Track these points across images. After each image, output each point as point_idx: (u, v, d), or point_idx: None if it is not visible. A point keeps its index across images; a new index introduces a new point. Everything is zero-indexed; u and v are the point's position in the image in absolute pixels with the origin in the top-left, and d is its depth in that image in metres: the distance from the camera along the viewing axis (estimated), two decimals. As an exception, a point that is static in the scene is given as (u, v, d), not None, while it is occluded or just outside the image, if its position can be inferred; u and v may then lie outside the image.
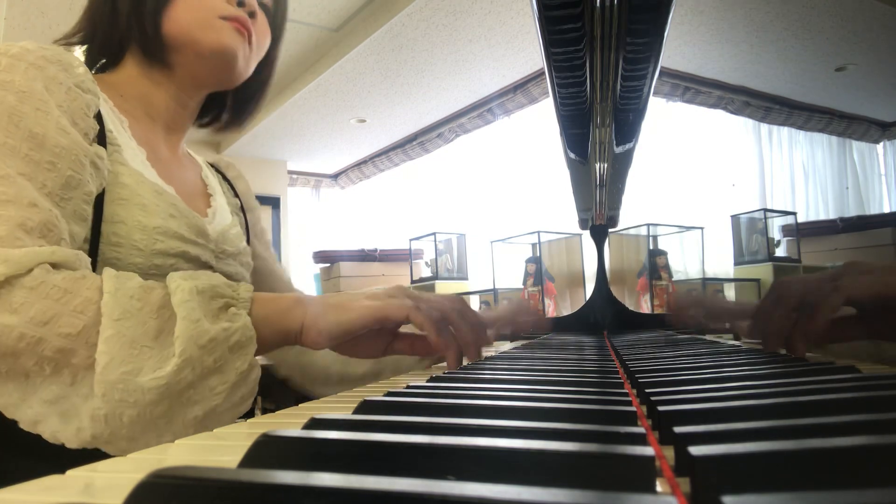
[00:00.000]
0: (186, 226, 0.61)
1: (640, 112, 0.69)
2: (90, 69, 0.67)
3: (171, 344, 0.43)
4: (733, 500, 0.12)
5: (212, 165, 0.84)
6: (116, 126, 0.62)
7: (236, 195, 0.82)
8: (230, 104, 0.81)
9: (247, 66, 0.70)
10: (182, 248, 0.60)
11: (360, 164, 5.18)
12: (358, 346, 0.58)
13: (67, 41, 0.69)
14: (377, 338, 0.58)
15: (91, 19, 0.69)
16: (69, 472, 0.21)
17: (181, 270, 0.59)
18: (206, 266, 0.65)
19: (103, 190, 0.56)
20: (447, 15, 2.89)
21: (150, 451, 0.25)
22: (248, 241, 0.79)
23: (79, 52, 0.70)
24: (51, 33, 2.77)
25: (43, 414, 0.43)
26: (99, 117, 0.58)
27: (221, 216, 0.73)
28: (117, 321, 0.42)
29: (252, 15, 0.68)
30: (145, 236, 0.57)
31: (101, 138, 0.58)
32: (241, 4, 0.67)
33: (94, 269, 0.54)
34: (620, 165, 0.86)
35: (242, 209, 0.82)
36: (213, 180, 0.79)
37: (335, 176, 5.53)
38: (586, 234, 1.16)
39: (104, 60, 0.70)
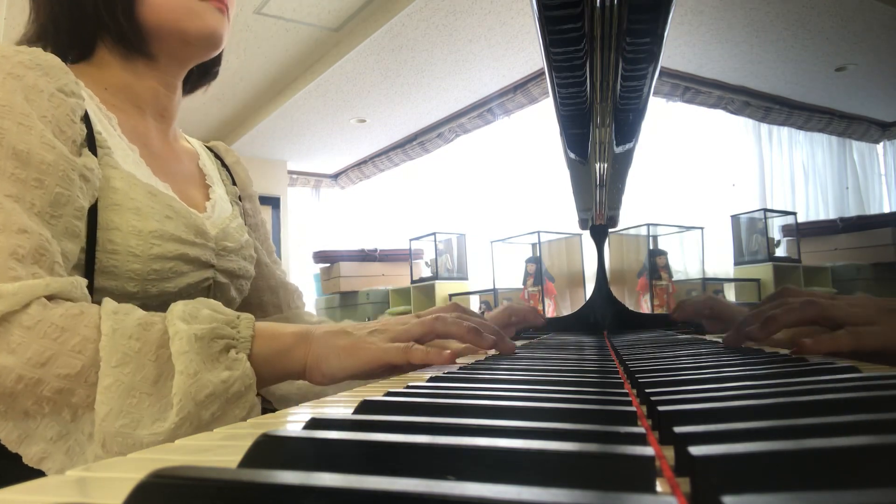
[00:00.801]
0: (184, 226, 0.60)
1: (640, 112, 0.69)
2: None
3: (170, 391, 0.43)
4: (733, 500, 0.12)
5: (209, 149, 0.82)
6: (105, 125, 0.60)
7: (235, 183, 0.81)
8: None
9: (226, 39, 0.68)
10: (181, 251, 0.59)
11: (360, 164, 5.18)
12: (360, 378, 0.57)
13: (30, 43, 0.65)
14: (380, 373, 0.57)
15: (50, 15, 0.65)
16: (69, 473, 0.21)
17: (186, 275, 0.58)
18: (208, 265, 0.63)
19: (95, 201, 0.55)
20: (447, 15, 2.89)
21: (151, 451, 0.25)
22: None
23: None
24: (51, 33, 2.77)
25: (48, 451, 0.43)
26: (86, 119, 0.57)
27: (221, 208, 0.71)
28: (115, 368, 0.42)
29: None
30: (141, 241, 0.56)
31: (91, 141, 0.56)
32: None
33: (91, 279, 0.54)
34: (620, 165, 0.86)
35: (241, 198, 0.80)
36: (210, 167, 0.77)
37: (335, 176, 5.53)
38: (586, 234, 1.16)
39: (75, 52, 0.66)
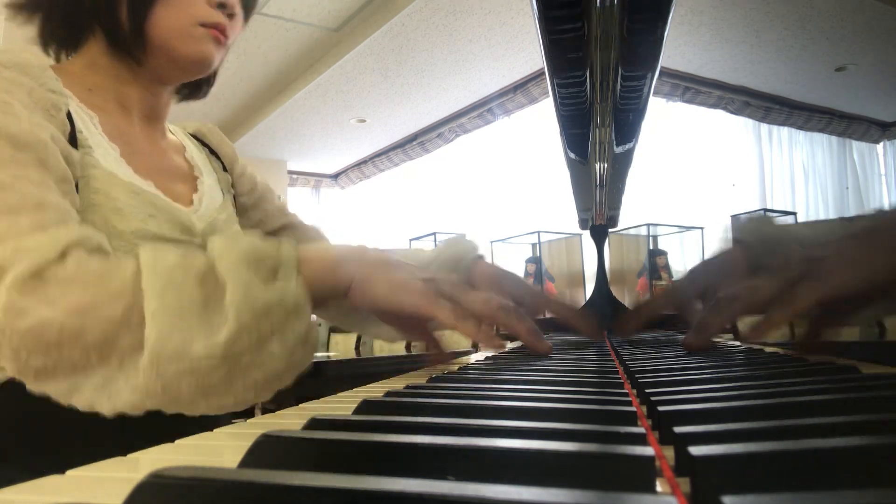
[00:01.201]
0: (168, 223, 0.59)
1: (640, 112, 0.69)
2: (48, 47, 0.65)
3: (221, 312, 0.41)
4: (733, 500, 0.12)
5: (195, 137, 0.80)
6: (86, 124, 0.59)
7: (225, 168, 0.78)
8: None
9: (216, 66, 0.68)
10: None
11: (360, 164, 5.18)
12: (393, 316, 0.54)
13: (16, 9, 0.64)
14: (416, 323, 0.54)
15: None
16: (69, 472, 0.21)
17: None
18: None
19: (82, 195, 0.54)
20: (447, 15, 2.90)
21: (150, 451, 0.25)
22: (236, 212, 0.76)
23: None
24: (51, 33, 2.77)
25: (95, 398, 0.42)
26: (69, 116, 0.56)
27: (210, 199, 0.70)
28: (160, 294, 0.40)
29: (232, 16, 0.65)
30: (122, 242, 0.54)
31: (73, 139, 0.55)
32: (221, 6, 0.64)
33: None
34: (620, 165, 0.86)
35: (233, 184, 0.78)
36: (199, 158, 0.75)
37: (335, 176, 5.53)
38: (586, 234, 1.16)
39: (62, 40, 0.65)
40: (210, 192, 0.71)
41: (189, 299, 0.41)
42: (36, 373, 0.41)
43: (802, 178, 4.55)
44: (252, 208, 0.80)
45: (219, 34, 0.64)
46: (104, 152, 0.58)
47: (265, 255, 0.45)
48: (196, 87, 0.77)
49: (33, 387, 0.42)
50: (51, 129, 0.51)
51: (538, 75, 3.57)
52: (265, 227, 0.80)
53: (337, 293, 0.49)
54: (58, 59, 0.66)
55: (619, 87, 0.62)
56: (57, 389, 0.42)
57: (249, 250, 0.44)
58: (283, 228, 0.82)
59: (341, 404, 0.37)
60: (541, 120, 3.76)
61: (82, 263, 0.42)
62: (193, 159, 0.74)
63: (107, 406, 0.42)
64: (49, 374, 0.42)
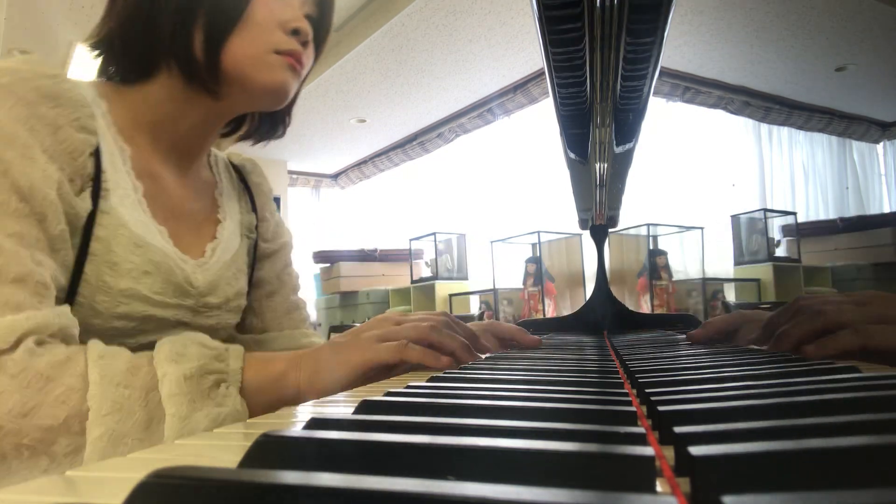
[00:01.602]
0: (162, 283, 0.58)
1: (640, 112, 0.69)
2: (111, 76, 0.62)
3: (162, 434, 0.43)
4: (733, 500, 0.12)
5: (235, 168, 0.78)
6: (114, 161, 0.57)
7: (253, 208, 0.76)
8: (258, 119, 0.76)
9: (292, 95, 0.66)
10: (148, 313, 0.57)
11: (360, 164, 5.18)
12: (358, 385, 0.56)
13: (95, 47, 0.62)
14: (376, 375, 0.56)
15: (121, 28, 0.61)
16: (69, 473, 0.21)
17: (150, 333, 0.57)
18: (178, 324, 0.61)
19: (87, 241, 0.54)
20: (447, 15, 2.90)
21: (150, 451, 0.25)
22: (253, 263, 0.75)
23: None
24: (51, 33, 2.77)
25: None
26: (96, 154, 0.55)
27: (223, 250, 0.68)
28: (106, 416, 0.41)
29: (305, 44, 0.64)
30: (108, 299, 0.54)
31: (96, 180, 0.55)
32: (296, 33, 0.62)
33: None
34: (620, 165, 0.86)
35: (257, 226, 0.76)
36: (228, 195, 0.73)
37: (335, 176, 5.53)
38: (586, 234, 1.16)
39: (133, 71, 0.63)
40: (227, 240, 0.69)
41: (132, 423, 0.42)
42: None
43: (802, 178, 4.55)
44: (266, 258, 0.78)
45: (294, 62, 0.62)
46: (123, 194, 0.57)
47: (209, 370, 0.46)
48: (272, 128, 0.76)
49: None
50: (61, 180, 0.50)
51: (538, 75, 3.57)
52: (264, 283, 0.78)
53: (281, 402, 0.50)
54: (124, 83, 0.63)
55: (619, 87, 0.62)
56: None
57: (193, 370, 0.45)
58: (274, 294, 0.79)
59: (341, 404, 0.37)
60: (541, 120, 3.76)
61: (33, 358, 0.42)
62: (221, 197, 0.73)
63: None
64: None
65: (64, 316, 0.47)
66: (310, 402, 0.38)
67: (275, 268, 0.79)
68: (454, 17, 2.92)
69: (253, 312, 0.77)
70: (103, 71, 0.63)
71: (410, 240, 4.09)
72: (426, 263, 4.04)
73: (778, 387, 0.30)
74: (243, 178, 0.79)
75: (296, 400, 0.50)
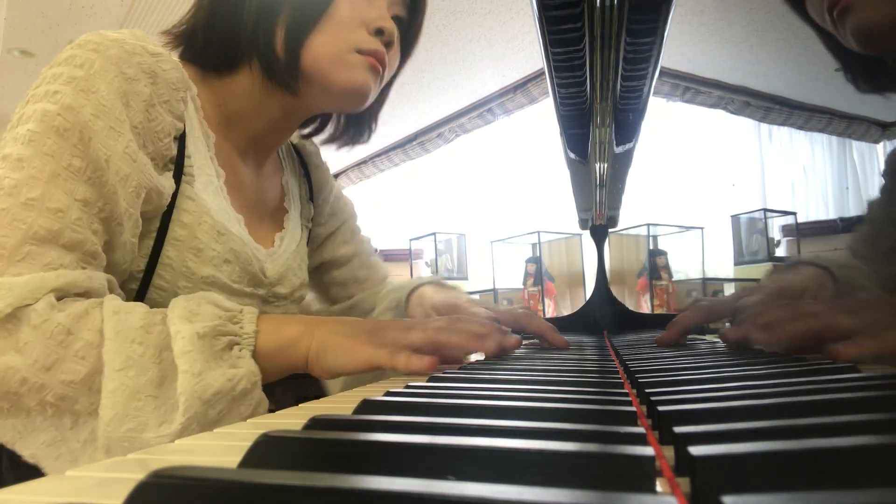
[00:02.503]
0: (240, 272, 0.59)
1: (640, 112, 0.69)
2: (192, 66, 0.62)
3: (173, 397, 0.42)
4: (733, 500, 0.12)
5: (295, 149, 0.79)
6: (198, 146, 0.58)
7: (311, 196, 0.77)
8: (343, 123, 0.77)
9: (372, 97, 0.65)
10: (227, 298, 0.57)
11: (360, 164, 5.18)
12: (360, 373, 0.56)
13: (177, 38, 0.62)
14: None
15: (206, 22, 0.61)
16: (69, 473, 0.21)
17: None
18: None
19: (166, 226, 0.54)
20: (447, 15, 2.90)
21: (150, 452, 0.25)
22: (308, 244, 0.76)
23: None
24: (51, 33, 2.77)
25: (39, 456, 0.43)
26: (182, 140, 0.55)
27: (290, 239, 0.69)
28: (119, 371, 0.42)
29: (389, 45, 0.63)
30: (191, 285, 0.55)
31: (178, 164, 0.55)
32: (379, 33, 0.61)
33: (143, 298, 0.54)
34: (620, 165, 0.86)
35: (314, 214, 0.78)
36: (293, 181, 0.74)
37: (335, 176, 5.53)
38: (586, 234, 1.16)
39: (216, 65, 0.63)
40: (293, 230, 0.71)
41: (146, 379, 0.42)
42: None
43: (802, 178, 4.55)
44: (327, 239, 0.82)
45: (376, 62, 0.61)
46: (207, 180, 0.58)
47: (222, 331, 0.46)
48: (357, 132, 0.77)
49: None
50: (142, 162, 0.51)
51: (538, 75, 3.57)
52: (337, 259, 0.83)
53: (292, 368, 0.51)
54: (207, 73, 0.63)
55: (619, 87, 0.62)
56: (3, 433, 0.43)
57: (207, 329, 0.45)
58: (352, 259, 0.84)
59: (341, 404, 0.37)
60: (541, 120, 3.76)
61: (53, 311, 0.43)
62: (288, 183, 0.74)
63: (53, 466, 0.43)
64: (2, 415, 0.43)
65: (96, 280, 0.47)
66: (310, 403, 0.38)
67: (339, 243, 0.83)
68: (454, 17, 2.91)
69: (336, 284, 0.83)
70: (187, 59, 0.63)
71: (410, 240, 4.09)
72: (426, 263, 4.04)
73: (778, 387, 0.30)
74: (303, 162, 0.79)
75: (303, 369, 0.51)
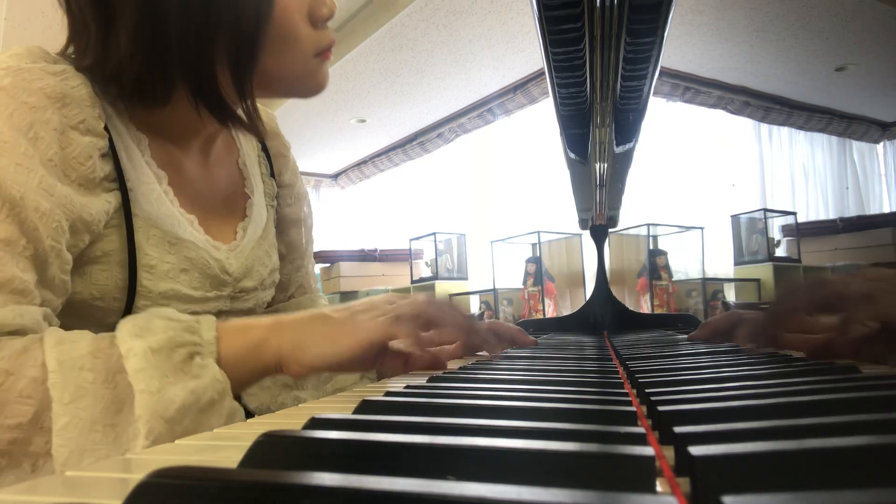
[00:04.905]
0: (199, 278, 0.56)
1: (640, 112, 0.69)
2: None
3: (133, 422, 0.39)
4: (733, 500, 0.12)
5: None
6: (131, 154, 0.54)
7: (272, 172, 0.72)
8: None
9: None
10: (190, 309, 0.55)
11: (360, 164, 5.18)
12: (344, 369, 0.51)
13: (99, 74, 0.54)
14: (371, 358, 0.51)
15: (132, 64, 0.51)
16: (68, 473, 0.21)
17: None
18: (220, 314, 0.59)
19: (130, 246, 0.52)
20: (447, 15, 2.89)
21: (151, 452, 0.25)
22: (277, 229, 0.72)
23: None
24: (50, 33, 2.77)
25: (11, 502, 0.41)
26: (112, 152, 0.52)
27: (254, 227, 0.65)
28: (69, 404, 0.38)
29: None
30: (148, 303, 0.53)
31: (119, 178, 0.52)
32: (325, 21, 0.57)
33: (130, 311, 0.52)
34: (620, 165, 0.86)
35: (277, 197, 0.73)
36: (251, 160, 0.69)
37: (335, 176, 5.53)
38: (586, 234, 1.16)
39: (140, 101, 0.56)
40: (257, 214, 0.67)
41: (101, 407, 0.38)
42: None
43: (802, 178, 4.55)
44: (292, 225, 0.75)
45: (330, 52, 0.59)
46: (147, 189, 0.55)
47: (179, 342, 0.42)
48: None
49: None
50: (60, 194, 0.47)
51: (538, 75, 3.57)
52: (292, 256, 0.75)
53: (264, 371, 0.46)
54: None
55: (619, 87, 0.62)
56: None
57: (161, 342, 0.41)
58: (301, 268, 0.78)
59: (341, 404, 0.37)
60: (541, 120, 3.76)
61: None
62: (246, 164, 0.68)
63: None
64: None
65: (27, 316, 0.44)
66: (310, 403, 0.38)
67: (300, 239, 0.76)
68: (454, 17, 2.91)
69: (279, 286, 0.74)
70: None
71: (410, 240, 4.09)
72: (426, 263, 4.04)
73: (778, 387, 0.30)
74: (261, 141, 0.73)
75: (278, 369, 0.46)
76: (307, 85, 0.58)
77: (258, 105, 0.71)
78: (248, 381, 0.46)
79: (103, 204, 0.51)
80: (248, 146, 0.70)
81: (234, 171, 0.67)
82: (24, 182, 0.45)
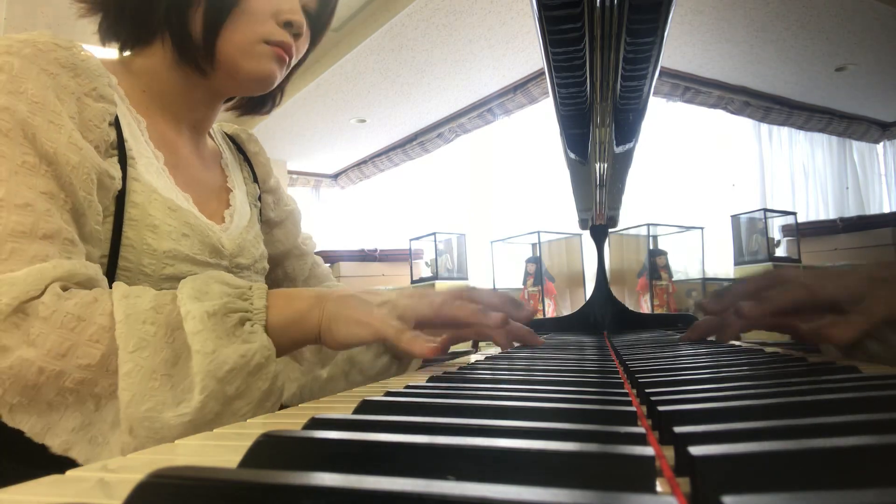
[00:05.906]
0: (200, 244, 0.60)
1: (640, 112, 0.69)
2: (109, 41, 0.64)
3: (189, 376, 0.43)
4: (733, 500, 0.12)
5: (230, 138, 0.80)
6: (133, 130, 0.59)
7: (255, 178, 0.79)
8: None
9: (277, 82, 0.67)
10: (193, 271, 0.58)
11: (360, 164, 5.18)
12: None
13: (91, 6, 0.63)
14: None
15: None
16: (69, 473, 0.21)
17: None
18: None
19: (122, 208, 0.55)
20: (447, 15, 2.89)
21: (151, 452, 0.25)
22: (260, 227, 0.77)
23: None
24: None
25: (72, 442, 0.43)
26: (116, 124, 0.56)
27: (239, 216, 0.70)
28: (133, 353, 0.42)
29: (298, 36, 0.65)
30: (154, 261, 0.55)
31: (120, 148, 0.56)
32: (288, 25, 0.63)
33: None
34: (620, 165, 0.86)
35: (260, 197, 0.78)
36: (232, 165, 0.76)
37: (335, 176, 5.53)
38: (586, 234, 1.16)
39: (129, 38, 0.64)
40: (240, 207, 0.72)
41: (160, 359, 0.43)
42: (11, 408, 0.42)
43: (802, 178, 4.55)
44: (276, 226, 0.81)
45: (283, 53, 0.64)
46: (147, 162, 0.59)
47: (232, 308, 0.46)
48: (260, 103, 0.78)
49: (7, 421, 0.43)
50: (88, 150, 0.51)
51: (538, 75, 3.57)
52: (280, 247, 0.81)
53: (305, 341, 0.51)
54: (119, 53, 0.65)
55: (619, 87, 0.62)
56: (31, 427, 0.43)
57: (217, 307, 0.45)
58: (291, 256, 0.83)
59: (341, 404, 0.37)
60: (541, 120, 3.76)
61: (60, 300, 0.43)
62: (228, 166, 0.75)
63: (85, 450, 0.43)
64: (24, 410, 0.43)
65: (91, 268, 0.48)
66: (310, 403, 0.38)
67: (291, 235, 0.82)
68: (454, 17, 2.91)
69: (287, 279, 0.82)
70: (102, 35, 0.64)
71: (410, 240, 4.09)
72: (426, 263, 4.04)
73: (778, 387, 0.30)
74: (241, 149, 0.81)
75: (316, 340, 0.51)
76: (251, 66, 0.63)
77: (235, 127, 0.81)
78: (290, 347, 0.51)
79: (116, 168, 0.55)
80: (229, 152, 0.77)
81: (217, 168, 0.73)
82: (56, 138, 0.49)
